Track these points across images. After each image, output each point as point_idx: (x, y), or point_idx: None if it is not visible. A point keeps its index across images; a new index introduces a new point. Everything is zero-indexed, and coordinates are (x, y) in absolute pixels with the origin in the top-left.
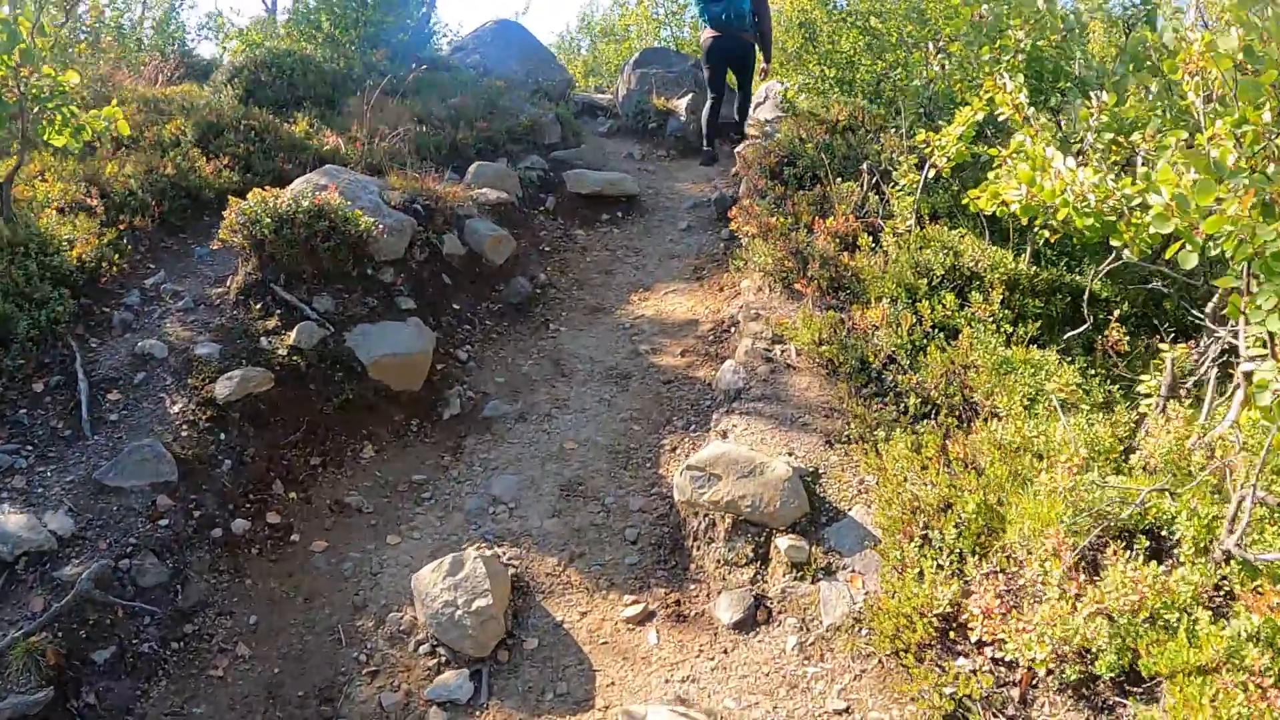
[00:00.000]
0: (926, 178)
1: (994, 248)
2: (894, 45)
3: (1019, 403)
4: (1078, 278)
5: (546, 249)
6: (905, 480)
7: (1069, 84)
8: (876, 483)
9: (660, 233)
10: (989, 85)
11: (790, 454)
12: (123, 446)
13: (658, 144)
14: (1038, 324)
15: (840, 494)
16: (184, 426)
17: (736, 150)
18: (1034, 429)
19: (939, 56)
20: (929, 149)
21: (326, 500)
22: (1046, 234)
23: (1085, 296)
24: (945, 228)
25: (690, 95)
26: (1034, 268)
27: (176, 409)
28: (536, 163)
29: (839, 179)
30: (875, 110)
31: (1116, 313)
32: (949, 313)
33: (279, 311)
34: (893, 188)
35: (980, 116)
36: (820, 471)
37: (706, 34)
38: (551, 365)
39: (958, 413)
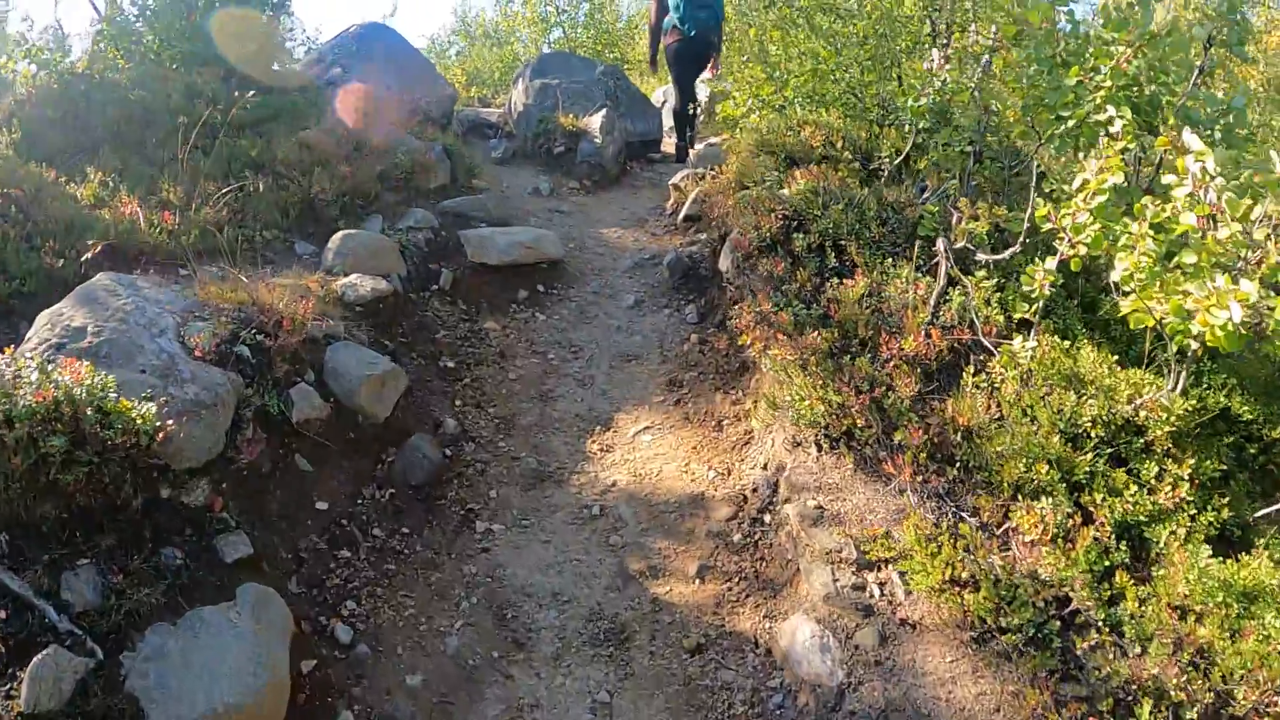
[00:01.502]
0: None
1: (1145, 375)
2: (861, 44)
3: None
4: (1225, 401)
5: (449, 364)
6: None
7: (1173, 118)
8: None
9: (601, 315)
10: (1161, 142)
11: None
12: None
13: (568, 173)
14: (1224, 498)
15: None
16: None
17: (673, 182)
18: None
19: (948, 67)
20: (1049, 226)
21: None
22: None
23: None
24: (1050, 333)
25: (604, 111)
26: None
27: None
28: (423, 219)
29: (881, 254)
30: (855, 131)
31: None
32: (1129, 505)
33: (2, 616)
34: (975, 279)
35: (1118, 180)
36: None
37: (675, 37)
38: (494, 623)
39: None
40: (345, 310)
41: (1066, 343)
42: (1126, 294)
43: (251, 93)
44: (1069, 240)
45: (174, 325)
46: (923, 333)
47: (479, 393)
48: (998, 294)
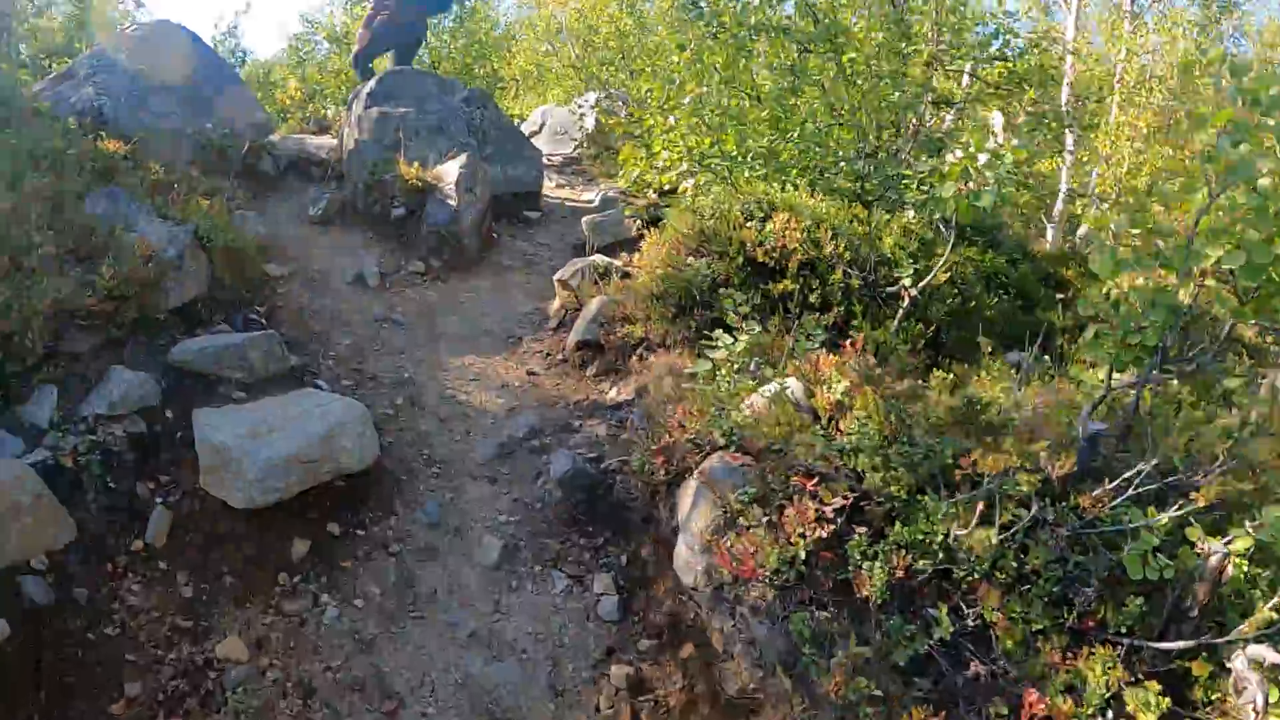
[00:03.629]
0: None
1: None
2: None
3: None
4: None
5: None
6: None
7: None
8: None
9: (441, 594)
10: None
11: None
12: None
13: (410, 245)
14: None
15: None
16: None
17: (560, 278)
18: None
19: (1015, 142)
20: None
21: None
22: None
23: None
24: None
25: (464, 157)
26: None
27: None
28: (130, 392)
29: (1051, 622)
30: (845, 219)
31: None
32: None
33: None
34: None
35: None
36: None
37: (406, 15)
38: None
39: None
40: None
41: None
42: None
43: None
44: None
45: None
46: None
47: None
48: None
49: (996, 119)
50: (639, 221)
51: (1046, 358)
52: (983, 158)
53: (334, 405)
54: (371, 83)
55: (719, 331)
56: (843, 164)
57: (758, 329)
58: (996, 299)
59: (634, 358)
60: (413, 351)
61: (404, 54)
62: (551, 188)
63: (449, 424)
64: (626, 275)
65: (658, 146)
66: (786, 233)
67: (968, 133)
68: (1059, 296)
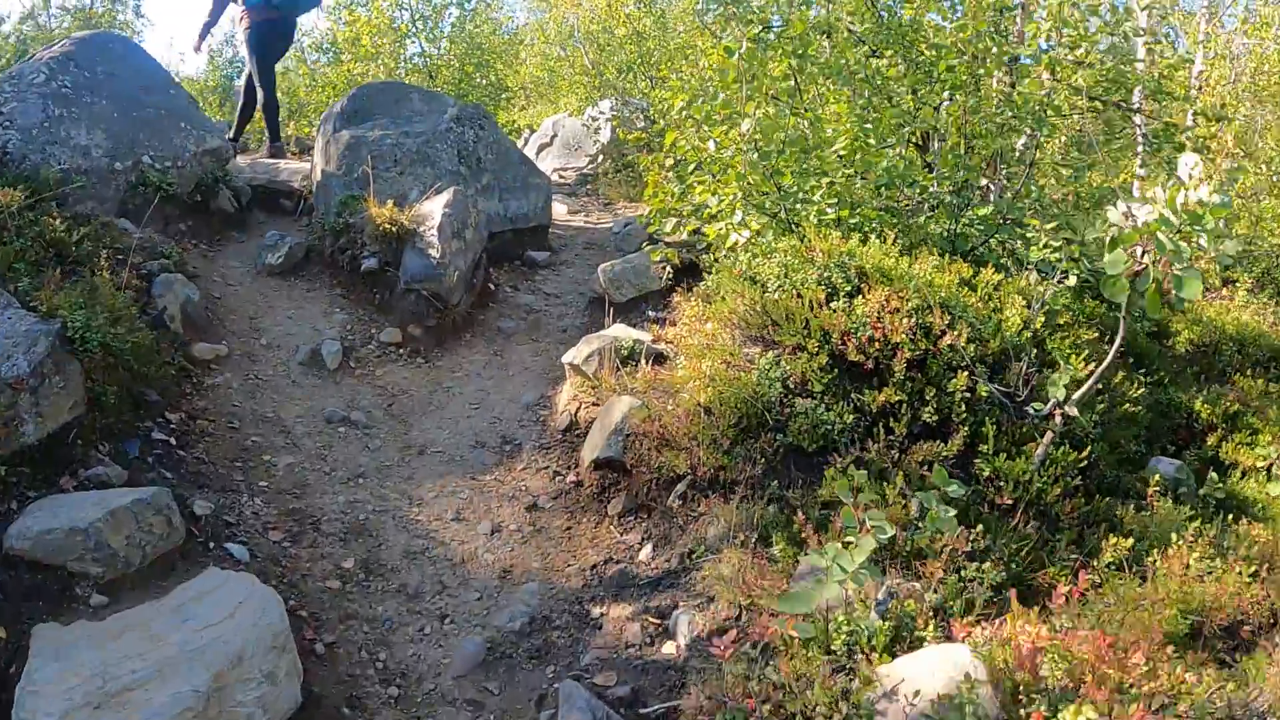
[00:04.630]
0: None
1: None
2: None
3: None
4: None
5: None
6: None
7: None
8: None
9: None
10: None
11: None
12: None
13: (382, 306)
14: None
15: None
16: None
17: (571, 361)
18: None
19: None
20: None
21: None
22: None
23: None
24: None
25: (450, 193)
26: None
27: None
28: None
29: None
30: (955, 288)
31: None
32: None
33: None
34: None
35: None
36: None
37: (264, 15)
38: None
39: None
40: None
41: None
42: None
43: None
44: None
45: None
46: None
47: None
48: None
49: (1189, 162)
50: (668, 268)
51: (1214, 475)
52: (1171, 216)
53: (229, 625)
54: (344, 99)
55: (831, 549)
56: (932, 201)
57: (886, 526)
58: (1136, 384)
59: (674, 497)
60: (375, 475)
61: (279, 52)
62: (563, 214)
63: (418, 602)
64: (660, 358)
65: (700, 194)
66: (886, 318)
67: (1148, 178)
68: (1167, 346)
